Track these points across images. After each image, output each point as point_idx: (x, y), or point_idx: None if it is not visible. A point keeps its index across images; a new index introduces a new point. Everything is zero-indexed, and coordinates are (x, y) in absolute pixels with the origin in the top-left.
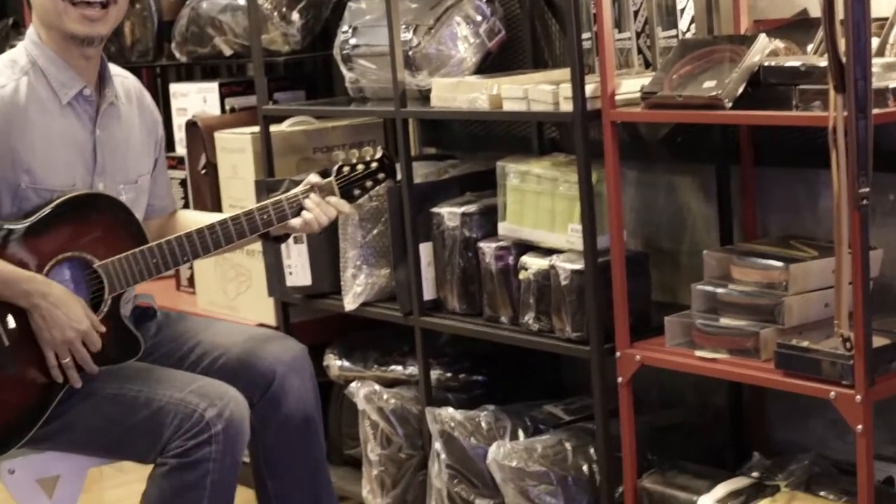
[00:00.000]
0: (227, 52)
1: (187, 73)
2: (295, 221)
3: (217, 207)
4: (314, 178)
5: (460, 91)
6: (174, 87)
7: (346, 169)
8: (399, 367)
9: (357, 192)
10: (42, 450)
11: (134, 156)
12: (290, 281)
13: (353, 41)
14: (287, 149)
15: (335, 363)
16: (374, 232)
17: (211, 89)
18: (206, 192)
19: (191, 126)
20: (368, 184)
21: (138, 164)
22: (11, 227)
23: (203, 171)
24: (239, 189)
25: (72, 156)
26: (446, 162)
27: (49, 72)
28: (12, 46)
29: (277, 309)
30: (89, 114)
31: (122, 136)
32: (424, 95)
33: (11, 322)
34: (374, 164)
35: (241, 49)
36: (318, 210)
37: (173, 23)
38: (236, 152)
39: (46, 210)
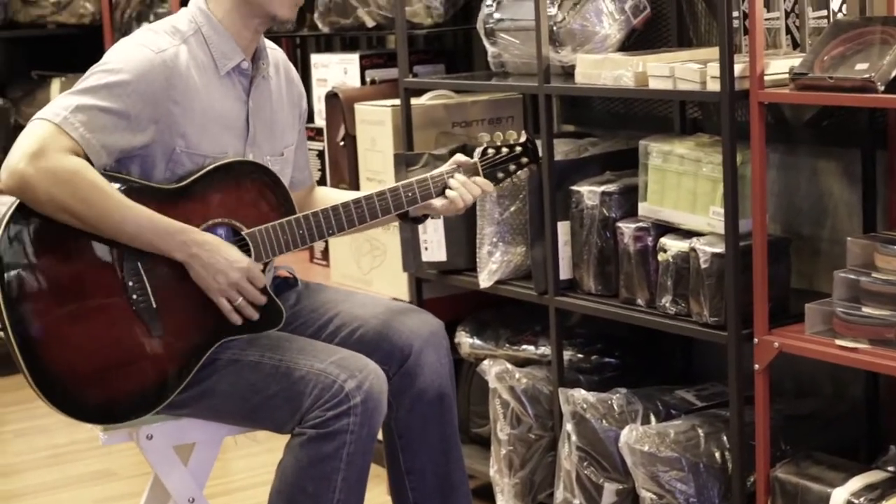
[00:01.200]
0: (370, 23)
1: (326, 44)
2: (437, 202)
3: (354, 179)
4: (460, 157)
5: (605, 68)
6: (315, 58)
7: (490, 151)
8: (531, 347)
9: (500, 174)
10: (180, 416)
11: (280, 128)
12: (426, 256)
13: (497, 15)
14: (427, 122)
15: (466, 341)
16: (512, 209)
17: (352, 61)
18: (343, 163)
19: (331, 97)
20: (512, 167)
21: (284, 136)
22: (165, 188)
23: (342, 143)
24: (377, 161)
25: (226, 125)
26: (585, 140)
27: (212, 41)
28: (156, 15)
29: (411, 284)
30: (243, 85)
31: (271, 109)
32: (567, 72)
33: (160, 284)
34: (518, 148)
35: (384, 21)
36: (462, 189)
37: None
38: (376, 125)
39: (200, 174)
